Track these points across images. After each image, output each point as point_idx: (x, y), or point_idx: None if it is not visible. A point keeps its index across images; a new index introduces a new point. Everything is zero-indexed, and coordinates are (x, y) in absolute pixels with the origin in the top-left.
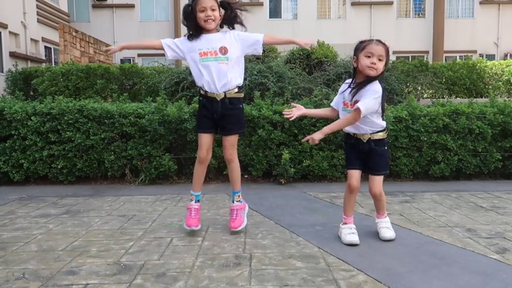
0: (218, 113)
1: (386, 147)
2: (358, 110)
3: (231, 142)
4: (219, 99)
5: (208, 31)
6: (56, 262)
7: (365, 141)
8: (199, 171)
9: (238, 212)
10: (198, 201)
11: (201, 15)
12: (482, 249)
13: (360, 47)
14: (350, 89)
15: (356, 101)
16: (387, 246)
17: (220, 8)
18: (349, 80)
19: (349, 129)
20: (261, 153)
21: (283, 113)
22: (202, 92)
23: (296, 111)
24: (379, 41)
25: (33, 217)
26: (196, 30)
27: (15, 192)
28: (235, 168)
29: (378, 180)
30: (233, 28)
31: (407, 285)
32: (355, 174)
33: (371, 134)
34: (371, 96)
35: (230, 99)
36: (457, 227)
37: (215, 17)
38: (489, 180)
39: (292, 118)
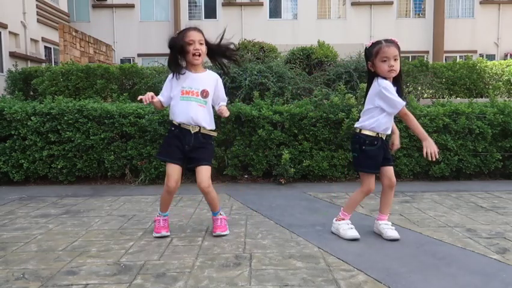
0: (190, 145)
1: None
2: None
3: (208, 173)
4: (192, 132)
5: (193, 66)
6: (56, 262)
7: (384, 138)
8: (168, 198)
9: (223, 220)
10: (167, 215)
11: (190, 49)
12: (482, 249)
13: (373, 53)
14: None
15: None
16: (387, 246)
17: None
18: (386, 80)
19: (385, 131)
20: (261, 153)
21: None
22: (175, 122)
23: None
24: (388, 41)
25: (33, 217)
26: (178, 62)
27: (15, 192)
28: (214, 198)
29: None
30: (222, 65)
31: (407, 285)
32: (374, 178)
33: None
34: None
35: (203, 134)
36: (457, 227)
37: (202, 52)
38: (489, 180)
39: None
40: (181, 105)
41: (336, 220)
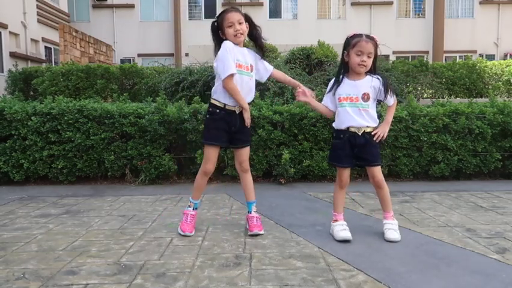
0: (237, 126)
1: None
2: (395, 102)
3: (248, 153)
4: (237, 112)
5: (238, 45)
6: (56, 262)
7: (360, 134)
8: (203, 182)
9: (258, 219)
10: (196, 209)
11: (230, 31)
12: (482, 249)
13: (350, 43)
14: (342, 83)
15: (365, 94)
16: (387, 246)
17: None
18: (334, 79)
19: (347, 123)
20: (261, 153)
21: (296, 94)
22: (219, 104)
23: (302, 96)
24: (368, 37)
25: (34, 217)
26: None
27: (15, 192)
28: (250, 180)
29: (378, 170)
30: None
31: (407, 285)
32: (346, 172)
33: (366, 127)
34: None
35: (241, 112)
36: (456, 226)
37: (243, 31)
38: (489, 180)
39: (298, 99)
40: (238, 79)
41: (332, 222)
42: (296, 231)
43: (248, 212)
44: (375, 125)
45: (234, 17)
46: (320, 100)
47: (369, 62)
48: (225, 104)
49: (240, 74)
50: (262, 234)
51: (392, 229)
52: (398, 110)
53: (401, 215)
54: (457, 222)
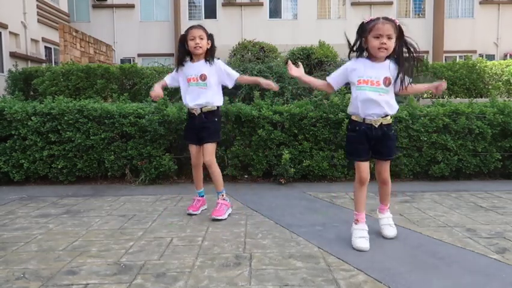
0: (197, 126)
1: (394, 130)
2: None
3: (208, 150)
4: (196, 114)
5: (196, 56)
6: (56, 262)
7: (376, 126)
8: (196, 173)
9: (222, 205)
10: (202, 196)
11: (191, 43)
12: (482, 249)
13: (367, 29)
14: (363, 64)
15: (387, 78)
16: (387, 246)
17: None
18: (361, 59)
19: (365, 109)
20: (261, 153)
21: (288, 66)
22: (187, 108)
23: (295, 71)
24: (386, 19)
25: (34, 217)
26: (186, 55)
27: (15, 192)
28: (214, 172)
29: (388, 165)
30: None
31: (407, 285)
32: (366, 166)
33: (383, 117)
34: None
35: (205, 113)
36: (456, 226)
37: (202, 45)
38: (489, 180)
39: (291, 72)
40: (188, 90)
41: (353, 223)
42: (296, 231)
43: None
44: (393, 113)
45: (197, 32)
46: (319, 105)
47: (390, 44)
48: (188, 108)
49: (190, 85)
50: (221, 220)
51: (388, 224)
52: (398, 110)
53: (401, 215)
54: (457, 222)
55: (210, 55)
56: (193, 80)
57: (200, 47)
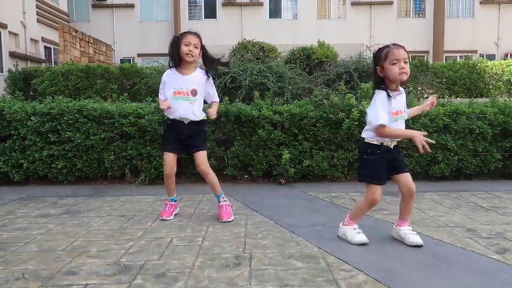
0: (186, 134)
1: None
2: None
3: (203, 158)
4: (186, 123)
5: (186, 64)
6: (56, 262)
7: (392, 147)
8: (171, 182)
9: (227, 207)
10: (175, 201)
11: (184, 49)
12: (483, 249)
13: (381, 57)
14: (397, 97)
15: (404, 106)
16: (387, 246)
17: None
18: (383, 92)
19: (389, 140)
20: (261, 153)
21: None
22: (170, 116)
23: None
24: (396, 45)
25: (33, 217)
26: (177, 60)
27: (15, 192)
28: (212, 179)
29: (409, 176)
30: (208, 70)
31: (407, 285)
32: (380, 189)
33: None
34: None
35: (194, 122)
36: (457, 227)
37: (194, 54)
38: (489, 180)
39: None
40: (174, 103)
41: (342, 225)
42: (296, 231)
43: (218, 202)
44: None
45: (193, 39)
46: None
47: (407, 68)
48: (173, 118)
49: (175, 99)
50: (232, 221)
51: (413, 233)
52: None
53: None
54: (457, 223)
55: (210, 66)
56: (183, 94)
57: (192, 56)
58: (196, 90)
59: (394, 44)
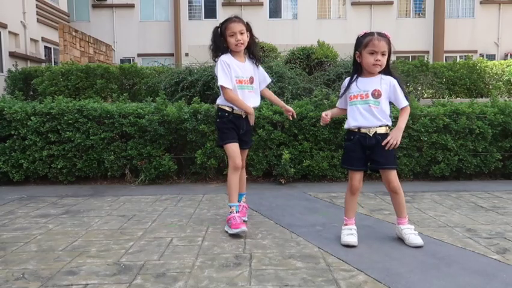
0: (244, 129)
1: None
2: (407, 106)
3: (247, 153)
4: (244, 116)
5: (236, 53)
6: (56, 262)
7: (371, 135)
8: (236, 180)
9: (243, 208)
10: (237, 212)
11: (231, 40)
12: (483, 249)
13: (362, 43)
14: (355, 82)
15: (376, 90)
16: (387, 246)
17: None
18: (348, 79)
19: (356, 122)
20: (261, 153)
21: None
22: (227, 108)
23: (326, 118)
24: (380, 34)
25: (33, 217)
26: (224, 50)
27: (15, 192)
28: (245, 174)
29: (394, 174)
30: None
31: (407, 285)
32: (358, 176)
33: (377, 127)
34: (399, 89)
35: (246, 117)
36: (457, 227)
37: (244, 41)
38: (489, 180)
39: (324, 122)
40: (238, 92)
41: (342, 225)
42: (296, 231)
43: (238, 200)
44: (389, 123)
45: (237, 27)
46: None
47: (383, 61)
48: (232, 109)
49: (240, 89)
50: (246, 221)
51: (413, 234)
52: (399, 110)
53: None
54: (457, 223)
55: (254, 54)
56: (244, 83)
57: (242, 44)
58: (253, 78)
59: (379, 34)
